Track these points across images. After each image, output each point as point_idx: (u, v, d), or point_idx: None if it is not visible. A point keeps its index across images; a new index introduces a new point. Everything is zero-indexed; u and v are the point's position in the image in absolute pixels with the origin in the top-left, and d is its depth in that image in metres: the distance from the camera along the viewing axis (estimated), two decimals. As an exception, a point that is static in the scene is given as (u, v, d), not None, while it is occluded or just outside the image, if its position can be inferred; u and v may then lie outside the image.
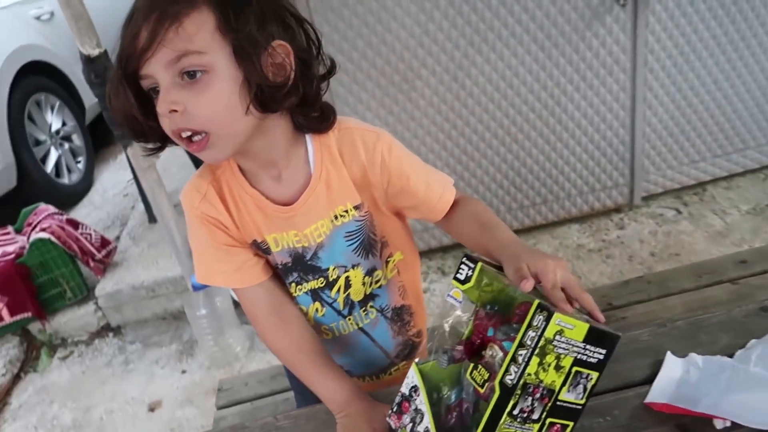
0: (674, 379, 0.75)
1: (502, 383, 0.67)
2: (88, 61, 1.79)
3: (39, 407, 2.29)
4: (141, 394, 2.23)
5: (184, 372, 2.29)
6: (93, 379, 2.36)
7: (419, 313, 1.06)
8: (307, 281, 0.93)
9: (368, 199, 0.90)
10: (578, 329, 0.68)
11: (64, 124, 3.49)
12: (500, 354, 0.70)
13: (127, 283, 2.51)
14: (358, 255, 0.93)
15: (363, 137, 0.86)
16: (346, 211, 0.89)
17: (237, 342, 2.25)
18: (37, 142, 3.25)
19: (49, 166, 3.28)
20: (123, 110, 0.76)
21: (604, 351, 0.70)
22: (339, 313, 0.97)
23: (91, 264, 2.53)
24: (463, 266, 0.75)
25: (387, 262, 0.98)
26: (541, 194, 2.43)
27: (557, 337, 0.67)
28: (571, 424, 0.70)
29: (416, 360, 0.76)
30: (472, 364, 0.72)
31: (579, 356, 0.69)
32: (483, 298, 0.75)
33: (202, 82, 0.72)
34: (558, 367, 0.68)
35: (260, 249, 0.91)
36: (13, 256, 2.43)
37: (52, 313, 2.52)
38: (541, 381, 0.68)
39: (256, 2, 0.73)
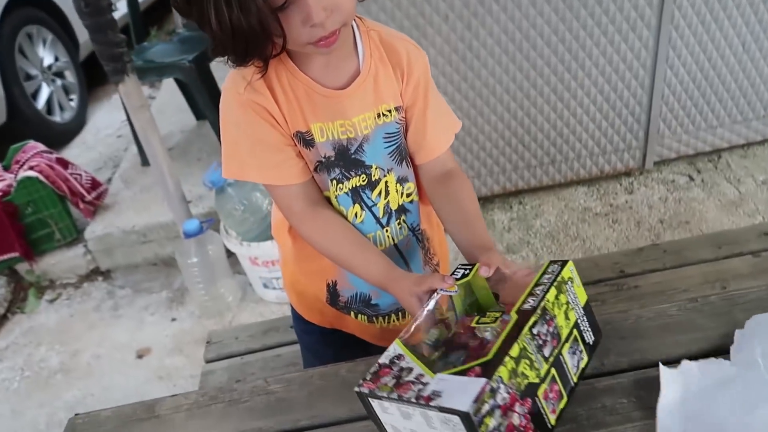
0: (677, 396, 0.66)
1: (520, 310, 0.70)
2: (78, -12, 1.67)
3: (26, 349, 2.24)
4: (130, 340, 2.19)
5: (174, 320, 2.24)
6: (81, 323, 2.31)
7: (440, 242, 1.04)
8: (349, 178, 0.89)
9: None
10: (581, 292, 0.76)
11: (56, 59, 3.34)
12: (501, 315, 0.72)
13: (118, 226, 2.43)
14: (393, 159, 0.91)
15: (408, 48, 0.88)
16: (389, 111, 0.88)
17: (228, 292, 2.19)
18: (29, 77, 3.12)
19: (41, 103, 3.16)
20: (248, 23, 0.69)
21: (593, 338, 0.76)
22: (378, 221, 0.93)
23: (81, 205, 2.45)
24: (458, 270, 0.80)
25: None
26: (550, 154, 2.33)
27: (569, 282, 0.75)
28: (565, 399, 0.71)
29: (399, 336, 0.75)
30: (476, 317, 0.74)
31: (579, 321, 0.74)
32: (466, 311, 0.78)
33: None
34: (566, 317, 0.73)
35: (303, 140, 0.86)
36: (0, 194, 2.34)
37: (41, 254, 2.45)
38: (555, 316, 0.71)
39: None
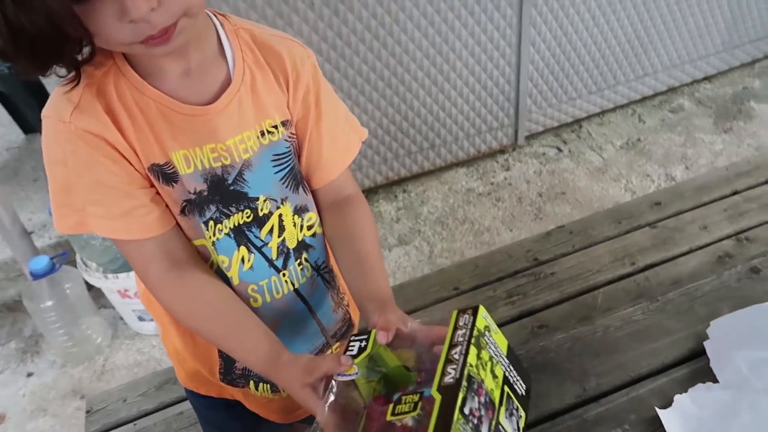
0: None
1: (441, 387, 0.58)
2: None
3: None
4: (-24, 408, 1.82)
5: (30, 375, 1.89)
6: None
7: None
8: (228, 215, 0.70)
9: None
10: (500, 337, 0.66)
11: None
12: (418, 390, 0.61)
13: (-61, 273, 2.00)
14: (287, 186, 0.73)
15: (289, 47, 0.71)
16: (275, 127, 0.71)
17: (96, 332, 1.89)
18: None
19: None
20: (29, 20, 0.51)
21: (525, 387, 0.66)
22: (271, 264, 0.74)
23: None
24: (353, 343, 0.66)
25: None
26: (429, 138, 2.29)
27: (486, 333, 0.64)
28: None
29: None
30: (391, 406, 0.61)
31: (507, 374, 0.64)
32: (374, 390, 0.65)
33: None
34: (494, 375, 0.63)
35: (162, 175, 0.67)
36: None
37: None
38: (483, 381, 0.61)
39: None
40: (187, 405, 1.11)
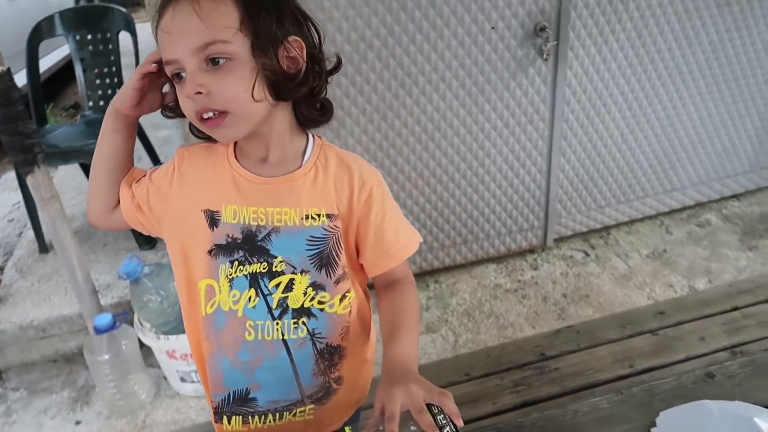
0: None
1: None
2: (-12, 78, 1.61)
3: None
4: (26, 449, 1.99)
5: (78, 423, 2.06)
6: (-34, 434, 2.07)
7: (352, 361, 1.00)
8: (251, 263, 0.89)
9: (342, 221, 0.92)
10: None
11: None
12: None
13: (13, 322, 2.24)
14: (312, 263, 0.90)
15: (360, 166, 0.92)
16: (318, 215, 0.89)
17: (142, 388, 2.06)
18: None
19: None
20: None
21: None
22: (270, 311, 0.91)
23: (-30, 300, 2.24)
24: None
25: (344, 297, 0.95)
26: (462, 234, 2.47)
27: None
28: None
29: None
30: None
31: None
32: None
33: (225, 68, 0.79)
34: None
35: (211, 219, 0.90)
36: None
37: None
38: None
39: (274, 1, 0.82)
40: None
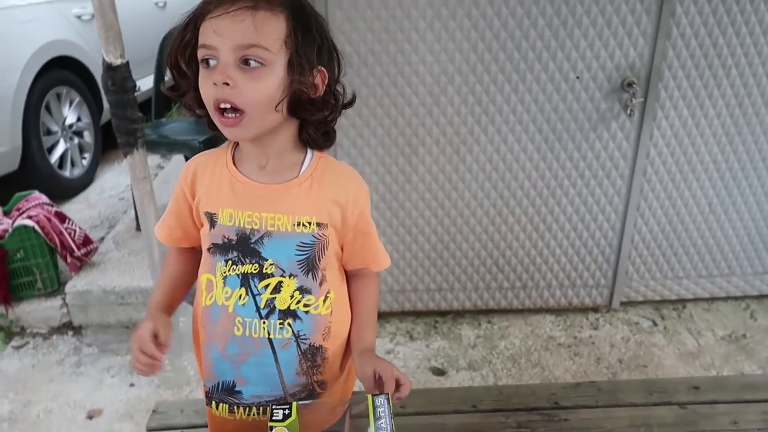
0: None
1: None
2: (109, 69, 1.85)
3: (-20, 392, 2.25)
4: (84, 399, 2.19)
5: (132, 385, 2.25)
6: (41, 375, 2.32)
7: (333, 364, 1.06)
8: (243, 263, 0.96)
9: (332, 229, 0.98)
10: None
11: (79, 119, 3.55)
12: None
13: (99, 285, 2.50)
14: (300, 268, 0.97)
15: (354, 182, 1.01)
16: (309, 223, 0.95)
17: (191, 366, 2.22)
18: (49, 132, 3.31)
19: (54, 157, 3.33)
20: (177, 58, 0.91)
21: None
22: (258, 310, 0.98)
23: (69, 259, 2.53)
24: (276, 410, 0.85)
25: (326, 298, 1.01)
26: (522, 279, 2.43)
27: None
28: None
29: None
30: None
31: None
32: None
33: (257, 72, 0.85)
34: None
35: (210, 221, 0.98)
36: (-6, 236, 2.44)
37: (18, 300, 2.50)
38: None
39: (317, 30, 0.89)
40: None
